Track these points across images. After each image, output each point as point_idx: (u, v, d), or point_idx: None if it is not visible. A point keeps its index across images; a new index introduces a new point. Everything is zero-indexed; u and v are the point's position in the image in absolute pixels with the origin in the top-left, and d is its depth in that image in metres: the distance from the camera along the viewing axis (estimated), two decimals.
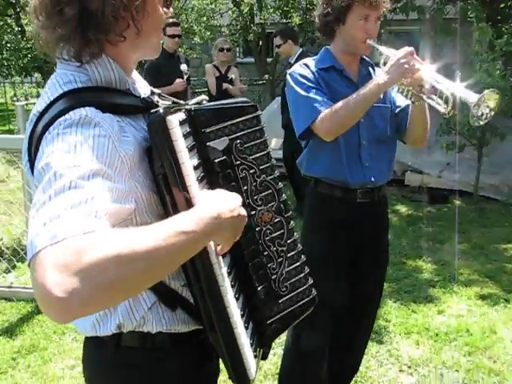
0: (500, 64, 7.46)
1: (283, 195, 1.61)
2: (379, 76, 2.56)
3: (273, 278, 1.57)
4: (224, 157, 1.47)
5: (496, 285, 5.17)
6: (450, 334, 4.30)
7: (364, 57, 2.87)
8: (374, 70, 2.89)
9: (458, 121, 6.99)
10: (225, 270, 1.46)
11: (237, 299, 1.49)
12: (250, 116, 1.54)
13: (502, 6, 9.55)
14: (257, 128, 1.55)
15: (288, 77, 2.77)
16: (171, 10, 1.49)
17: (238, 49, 15.64)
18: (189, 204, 1.35)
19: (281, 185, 1.61)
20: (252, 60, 14.54)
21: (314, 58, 2.84)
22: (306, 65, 2.77)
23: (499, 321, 4.50)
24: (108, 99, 1.35)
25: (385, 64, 2.65)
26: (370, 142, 2.77)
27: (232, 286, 1.48)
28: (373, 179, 2.79)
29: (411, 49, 2.51)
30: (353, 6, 2.63)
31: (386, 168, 2.85)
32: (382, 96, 2.72)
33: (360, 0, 2.61)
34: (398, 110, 2.85)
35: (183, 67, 6.94)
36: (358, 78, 2.82)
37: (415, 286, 5.15)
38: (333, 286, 2.74)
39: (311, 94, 2.65)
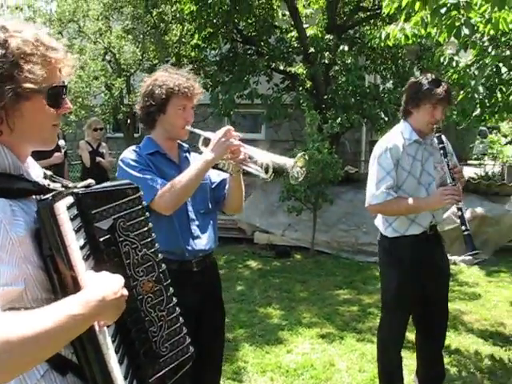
0: (327, 144, 7.89)
1: (163, 265, 1.56)
2: (205, 154, 2.54)
3: (154, 340, 1.51)
4: (108, 235, 1.41)
5: (332, 325, 5.30)
6: (298, 370, 4.32)
7: (180, 142, 2.82)
8: (189, 153, 2.86)
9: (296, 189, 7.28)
10: (109, 339, 1.38)
11: (121, 363, 1.41)
12: (133, 197, 1.49)
13: (325, 97, 10.16)
14: (138, 207, 1.50)
15: (120, 162, 2.62)
16: (68, 105, 1.41)
17: (108, 125, 15.55)
18: (75, 282, 1.29)
19: (161, 256, 1.56)
20: (121, 135, 14.52)
21: (138, 146, 2.73)
22: (135, 150, 2.66)
23: (336, 355, 4.60)
24: (1, 184, 1.26)
25: (204, 145, 2.70)
26: (197, 214, 2.71)
27: (116, 352, 1.39)
28: (205, 248, 2.73)
29: (229, 127, 2.56)
30: (172, 98, 2.61)
31: (213, 236, 2.79)
32: None
33: (178, 92, 2.60)
34: (214, 185, 2.82)
35: (61, 142, 6.80)
36: (180, 160, 2.78)
37: (267, 330, 5.15)
38: None
39: (146, 175, 2.55)
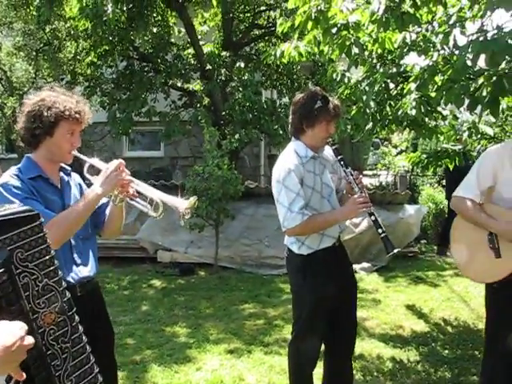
0: (227, 159, 7.95)
1: (67, 294, 1.49)
2: (96, 187, 2.49)
3: (57, 374, 1.43)
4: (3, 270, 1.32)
5: (240, 339, 5.31)
6: None
7: (62, 165, 2.73)
8: (71, 176, 2.78)
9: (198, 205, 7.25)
10: (2, 381, 1.29)
11: None
12: (32, 225, 1.41)
13: (223, 113, 10.24)
14: (39, 235, 1.43)
15: (1, 189, 2.43)
16: None
17: (1, 146, 14.84)
18: None
19: (64, 284, 1.49)
20: (15, 156, 13.91)
21: (18, 168, 2.58)
22: (16, 175, 2.50)
23: (245, 369, 4.61)
24: None
25: (89, 172, 2.67)
26: (78, 240, 2.64)
27: None
28: (89, 274, 2.66)
29: (120, 161, 2.54)
30: (61, 122, 2.53)
31: (94, 261, 2.73)
32: None
33: (68, 117, 2.53)
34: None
35: None
36: (62, 185, 2.69)
37: (175, 349, 5.08)
38: None
39: (30, 205, 2.44)
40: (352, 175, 3.20)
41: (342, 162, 3.22)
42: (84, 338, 1.52)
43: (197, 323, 5.82)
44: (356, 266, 7.70)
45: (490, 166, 3.18)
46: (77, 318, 1.51)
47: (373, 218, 3.10)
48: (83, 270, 2.62)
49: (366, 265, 8.07)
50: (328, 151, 3.41)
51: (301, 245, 3.31)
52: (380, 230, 3.06)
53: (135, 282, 7.67)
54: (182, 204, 2.46)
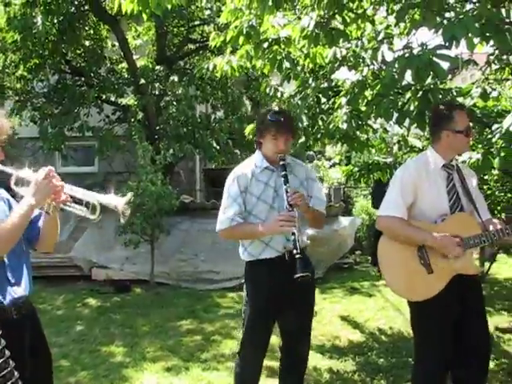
0: (161, 175, 7.88)
1: None
2: (28, 197, 2.42)
3: None
4: None
5: (177, 357, 5.22)
6: None
7: None
8: None
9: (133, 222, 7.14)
10: None
11: None
12: None
13: (157, 128, 10.15)
14: None
15: None
16: None
17: None
18: None
19: None
20: None
21: None
22: None
23: None
24: None
25: (16, 184, 2.57)
26: (11, 258, 2.52)
27: None
28: (24, 293, 2.56)
29: (50, 168, 2.48)
30: None
31: (28, 279, 2.62)
32: None
33: None
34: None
35: None
36: None
37: (111, 370, 4.91)
38: None
39: None
40: (287, 191, 3.22)
41: (283, 179, 3.27)
42: (16, 373, 1.44)
43: (133, 341, 5.69)
44: None
45: (410, 181, 3.21)
46: (7, 352, 1.43)
47: (292, 237, 3.13)
48: (18, 290, 2.51)
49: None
50: (305, 169, 3.54)
51: (244, 250, 3.43)
52: (295, 251, 3.09)
53: (69, 301, 7.43)
54: (120, 201, 2.42)
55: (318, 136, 5.24)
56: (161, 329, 6.13)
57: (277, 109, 3.47)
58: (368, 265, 9.69)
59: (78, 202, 2.53)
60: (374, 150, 6.23)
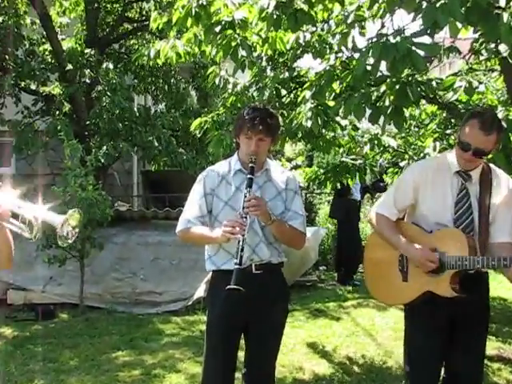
0: (92, 178, 7.74)
1: None
2: None
3: None
4: None
5: None
6: None
7: None
8: None
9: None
10: None
11: None
12: None
13: (88, 122, 10.00)
14: None
15: None
16: None
17: None
18: None
19: None
20: None
21: None
22: None
23: None
24: None
25: None
26: None
27: None
28: None
29: None
30: None
31: None
32: None
33: None
34: None
35: None
36: None
37: None
38: None
39: None
40: (245, 196, 3.33)
41: (246, 181, 3.39)
42: None
43: (58, 379, 5.53)
44: None
45: (411, 181, 3.43)
46: None
47: (238, 245, 3.23)
48: None
49: None
50: (287, 178, 3.59)
51: (208, 257, 3.58)
52: (235, 260, 3.22)
53: None
54: (60, 219, 2.42)
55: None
56: (92, 362, 5.99)
57: (256, 105, 3.62)
58: (334, 283, 9.76)
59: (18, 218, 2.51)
60: (341, 150, 6.29)
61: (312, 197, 12.84)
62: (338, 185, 6.47)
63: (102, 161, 8.66)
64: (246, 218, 3.29)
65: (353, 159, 6.18)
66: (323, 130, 5.13)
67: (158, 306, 7.85)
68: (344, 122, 5.35)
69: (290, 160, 15.97)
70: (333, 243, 11.15)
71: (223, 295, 3.34)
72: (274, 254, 3.52)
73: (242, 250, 3.21)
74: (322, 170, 6.38)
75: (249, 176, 3.38)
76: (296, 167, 14.75)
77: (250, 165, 3.40)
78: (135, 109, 10.57)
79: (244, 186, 3.42)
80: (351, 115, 4.32)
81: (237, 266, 3.19)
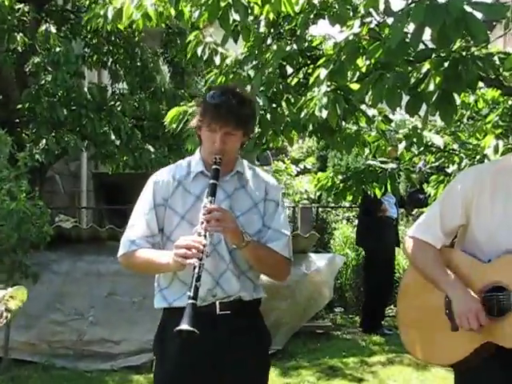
0: (26, 184, 7.69)
1: None
2: None
3: None
4: None
5: None
6: None
7: None
8: None
9: None
10: None
11: None
12: None
13: (19, 107, 9.94)
14: None
15: None
16: None
17: None
18: None
19: None
20: None
21: None
22: None
23: None
24: None
25: None
26: None
27: None
28: None
29: None
30: None
31: None
32: None
33: None
34: None
35: None
36: None
37: None
38: None
39: None
40: (205, 207, 3.25)
41: (208, 189, 3.31)
42: None
43: None
44: None
45: (462, 194, 3.30)
46: None
47: (194, 271, 3.13)
48: None
49: None
50: (267, 185, 3.54)
51: (158, 291, 3.55)
52: (188, 293, 3.11)
53: None
54: None
55: (281, 127, 5.23)
56: None
57: (225, 86, 3.53)
58: (355, 330, 9.73)
59: None
60: (367, 150, 6.26)
61: (325, 212, 12.81)
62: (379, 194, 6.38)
63: (40, 159, 8.62)
64: (205, 236, 3.20)
65: (382, 162, 6.15)
66: (343, 123, 5.11)
67: (113, 360, 7.82)
68: (371, 112, 5.33)
69: (296, 162, 15.94)
70: (353, 275, 11.12)
71: (177, 344, 3.28)
72: (247, 287, 3.41)
73: (199, 279, 3.11)
74: (339, 177, 6.35)
75: (212, 181, 3.31)
76: (304, 172, 14.78)
77: (214, 167, 3.33)
78: (85, 89, 10.55)
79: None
80: (382, 103, 4.30)
81: (190, 301, 3.08)
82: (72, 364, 7.92)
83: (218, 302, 3.34)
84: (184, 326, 2.99)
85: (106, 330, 7.96)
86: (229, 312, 3.35)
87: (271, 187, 3.54)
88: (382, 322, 9.67)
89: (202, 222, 3.20)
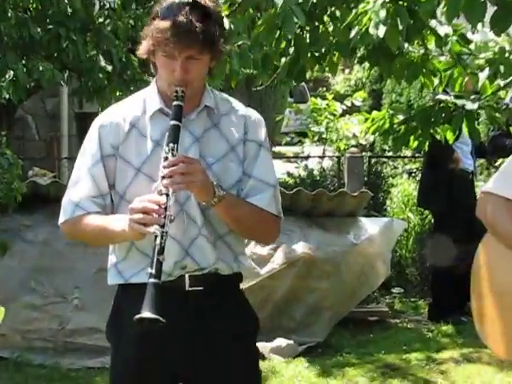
0: None
1: None
2: None
3: None
4: None
5: None
6: None
7: None
8: None
9: None
10: None
11: None
12: None
13: None
14: None
15: None
16: None
17: None
18: None
19: None
20: None
21: None
22: None
23: None
24: None
25: None
26: None
27: None
28: None
29: None
30: None
31: None
32: None
33: None
34: None
35: None
36: None
37: None
38: None
39: None
40: (166, 159, 3.23)
41: (169, 132, 3.29)
42: None
43: None
44: (265, 346, 7.69)
45: None
46: None
47: (156, 242, 3.10)
48: None
49: (283, 342, 8.11)
50: (246, 121, 3.50)
51: (112, 265, 3.52)
52: (149, 270, 3.08)
53: None
54: None
55: (322, 50, 5.20)
56: None
57: None
58: (420, 317, 9.73)
59: None
60: (436, 81, 6.18)
61: (380, 163, 12.76)
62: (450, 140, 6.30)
63: (6, 96, 8.64)
64: (167, 195, 3.18)
65: (457, 97, 6.07)
66: (405, 45, 5.05)
67: (103, 355, 7.82)
68: (444, 30, 5.26)
69: (341, 98, 15.90)
70: (416, 246, 11.09)
71: (134, 328, 3.23)
72: (226, 257, 3.41)
73: (162, 251, 3.11)
74: (399, 116, 6.27)
75: (173, 122, 3.29)
76: (352, 110, 14.71)
77: (175, 103, 3.30)
78: (66, 1, 10.51)
79: (168, 141, 3.31)
80: (458, 17, 4.24)
81: (152, 280, 3.07)
82: (52, 360, 8.02)
83: (187, 276, 3.34)
84: (146, 313, 2.97)
85: (94, 316, 7.94)
86: (201, 288, 3.34)
87: (252, 123, 3.51)
88: (460, 309, 9.47)
89: (163, 177, 3.19)
